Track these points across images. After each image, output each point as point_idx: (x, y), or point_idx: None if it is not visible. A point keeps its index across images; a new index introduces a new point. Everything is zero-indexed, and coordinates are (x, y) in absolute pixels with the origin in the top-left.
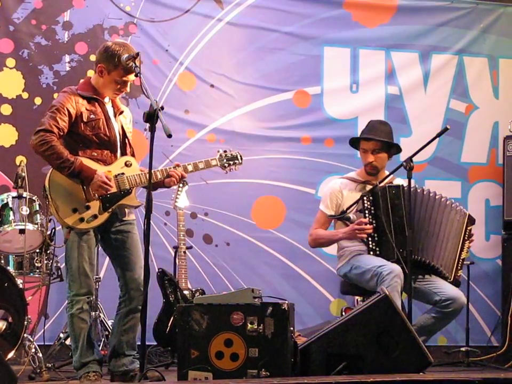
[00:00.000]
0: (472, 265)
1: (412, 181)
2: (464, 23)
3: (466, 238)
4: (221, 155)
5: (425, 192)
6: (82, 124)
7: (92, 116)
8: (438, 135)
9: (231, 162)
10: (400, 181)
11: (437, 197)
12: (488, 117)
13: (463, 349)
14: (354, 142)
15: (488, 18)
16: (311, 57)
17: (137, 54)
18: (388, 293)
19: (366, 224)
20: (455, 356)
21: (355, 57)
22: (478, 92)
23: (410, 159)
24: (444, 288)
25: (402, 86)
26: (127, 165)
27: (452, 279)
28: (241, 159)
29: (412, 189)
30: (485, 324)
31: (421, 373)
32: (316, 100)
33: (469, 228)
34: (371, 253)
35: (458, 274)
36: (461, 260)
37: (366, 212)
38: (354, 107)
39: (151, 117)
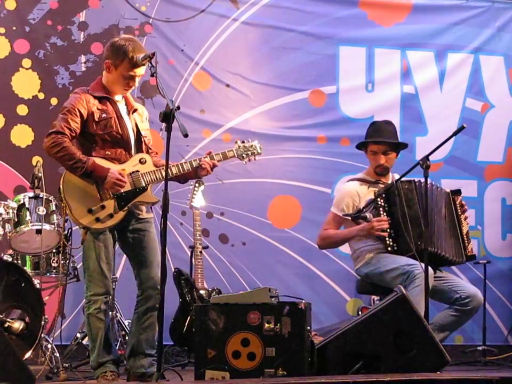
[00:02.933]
0: (489, 264)
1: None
2: (479, 21)
3: (460, 213)
4: (238, 146)
5: (423, 184)
6: (94, 123)
7: (103, 115)
8: (454, 133)
9: (249, 153)
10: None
11: (428, 186)
12: (504, 116)
13: (479, 348)
14: (361, 145)
15: (504, 17)
16: (326, 56)
17: (153, 54)
18: (404, 292)
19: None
20: (472, 355)
21: (370, 57)
22: (494, 91)
23: (426, 157)
24: (463, 286)
25: (418, 85)
26: (141, 162)
27: (465, 259)
28: (260, 149)
29: (417, 184)
30: (502, 322)
31: (438, 372)
32: (331, 99)
33: (457, 202)
34: (389, 249)
35: (470, 249)
36: (465, 236)
37: (381, 209)
38: (370, 106)
39: (168, 117)
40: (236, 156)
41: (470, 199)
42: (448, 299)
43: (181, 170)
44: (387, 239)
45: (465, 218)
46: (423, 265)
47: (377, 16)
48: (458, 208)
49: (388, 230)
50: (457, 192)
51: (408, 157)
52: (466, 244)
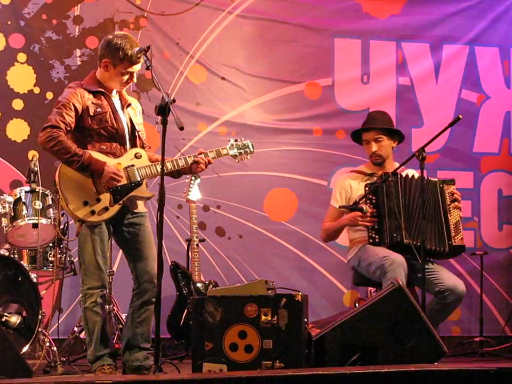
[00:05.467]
0: (485, 255)
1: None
2: (474, 13)
3: (448, 202)
4: (232, 144)
5: (414, 178)
6: (89, 118)
7: (98, 110)
8: (450, 125)
9: (242, 151)
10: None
11: (414, 178)
12: (500, 107)
13: (477, 339)
14: (357, 137)
15: (499, 8)
16: (321, 48)
17: (148, 47)
18: (401, 283)
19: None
20: (469, 346)
21: (366, 49)
22: (489, 82)
23: (422, 149)
24: (443, 279)
25: (414, 77)
26: (136, 156)
27: (448, 249)
28: (253, 147)
29: (402, 176)
30: (499, 314)
31: (435, 363)
32: (327, 91)
33: (446, 191)
34: (370, 240)
35: (457, 239)
36: (452, 226)
37: (368, 202)
38: (365, 98)
39: (163, 110)
40: (229, 154)
41: (466, 190)
42: (431, 291)
43: (175, 166)
44: (370, 230)
45: (456, 208)
46: (396, 256)
47: (372, 8)
48: (447, 197)
49: (372, 222)
50: (447, 181)
51: (404, 149)
52: (453, 233)
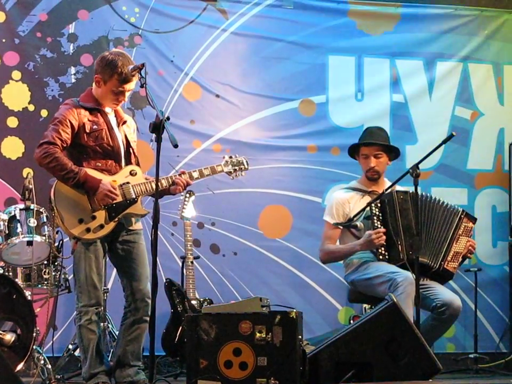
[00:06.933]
0: (480, 272)
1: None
2: (468, 30)
3: (461, 232)
4: (226, 161)
5: (424, 197)
6: (85, 135)
7: (94, 127)
8: (444, 141)
9: (237, 168)
10: (401, 188)
11: (432, 200)
12: (494, 124)
13: (471, 355)
14: (353, 151)
15: (493, 25)
16: (316, 66)
17: (143, 65)
18: (395, 300)
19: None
20: (464, 363)
21: (360, 66)
22: (483, 99)
23: (416, 166)
24: (439, 294)
25: (407, 94)
26: (132, 174)
27: (437, 266)
28: (247, 164)
29: (411, 194)
30: (493, 330)
31: (430, 380)
32: (321, 108)
33: (464, 224)
34: (380, 257)
35: (450, 266)
36: (452, 251)
37: (375, 218)
38: (359, 115)
39: (157, 128)
40: (224, 171)
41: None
42: (427, 307)
43: (170, 181)
44: (379, 247)
45: (465, 241)
46: (408, 273)
47: (366, 25)
48: (462, 227)
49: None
50: (470, 216)
51: (398, 166)
52: (449, 258)
